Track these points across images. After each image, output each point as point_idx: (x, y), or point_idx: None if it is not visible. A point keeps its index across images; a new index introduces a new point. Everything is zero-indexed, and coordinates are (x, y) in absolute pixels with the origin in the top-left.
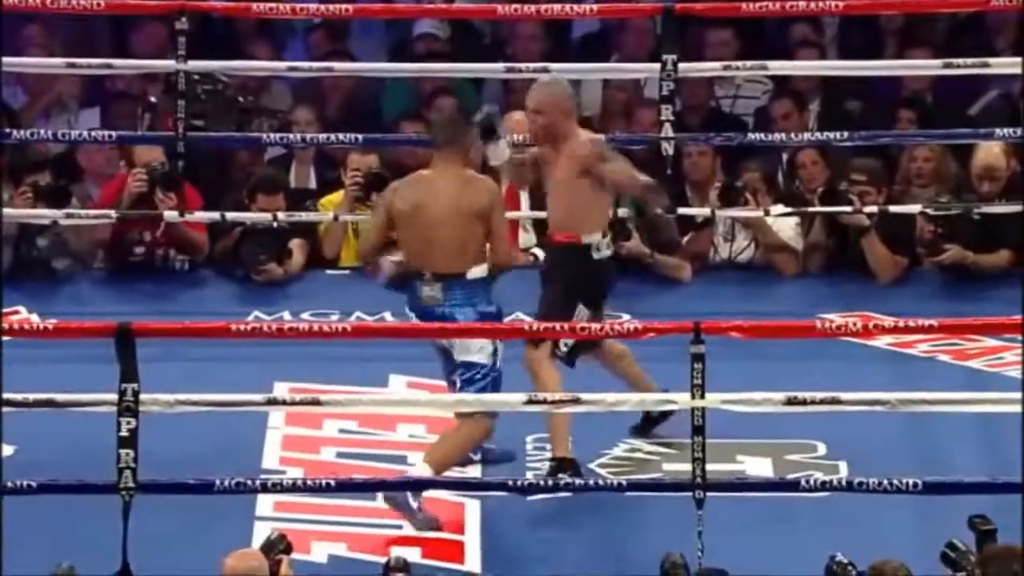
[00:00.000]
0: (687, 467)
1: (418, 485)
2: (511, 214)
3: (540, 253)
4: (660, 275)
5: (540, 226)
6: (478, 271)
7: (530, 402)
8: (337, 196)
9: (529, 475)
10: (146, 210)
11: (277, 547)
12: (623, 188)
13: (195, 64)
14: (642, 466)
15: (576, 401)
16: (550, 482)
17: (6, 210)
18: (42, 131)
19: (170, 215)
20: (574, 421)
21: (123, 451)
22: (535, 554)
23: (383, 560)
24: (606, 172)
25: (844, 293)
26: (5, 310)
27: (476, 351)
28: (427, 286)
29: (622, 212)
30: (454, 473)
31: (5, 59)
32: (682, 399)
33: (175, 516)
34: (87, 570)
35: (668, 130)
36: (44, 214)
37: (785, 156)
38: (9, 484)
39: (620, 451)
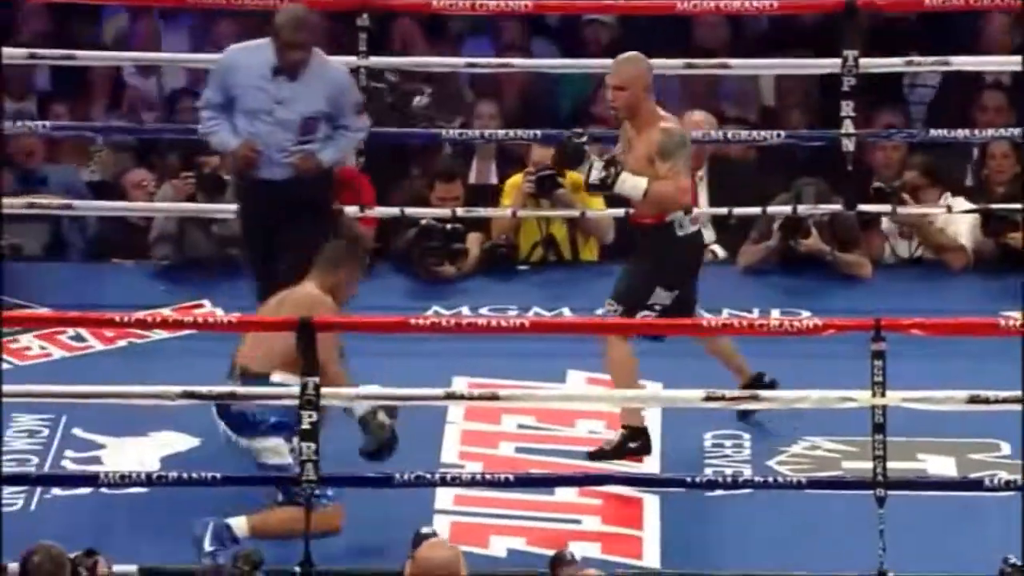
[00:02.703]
0: (867, 465)
1: (597, 480)
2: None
3: (720, 251)
4: (840, 272)
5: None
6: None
7: (709, 398)
8: (514, 190)
9: (708, 471)
10: None
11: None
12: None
13: (376, 60)
14: (822, 463)
15: (755, 398)
16: (730, 479)
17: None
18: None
19: (350, 210)
20: (754, 418)
21: (305, 444)
22: (714, 550)
23: None
24: (658, 170)
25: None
26: (189, 303)
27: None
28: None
29: (802, 209)
30: (632, 468)
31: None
32: (862, 397)
33: (356, 509)
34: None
35: (849, 126)
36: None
37: (976, 149)
38: (194, 475)
39: (799, 448)
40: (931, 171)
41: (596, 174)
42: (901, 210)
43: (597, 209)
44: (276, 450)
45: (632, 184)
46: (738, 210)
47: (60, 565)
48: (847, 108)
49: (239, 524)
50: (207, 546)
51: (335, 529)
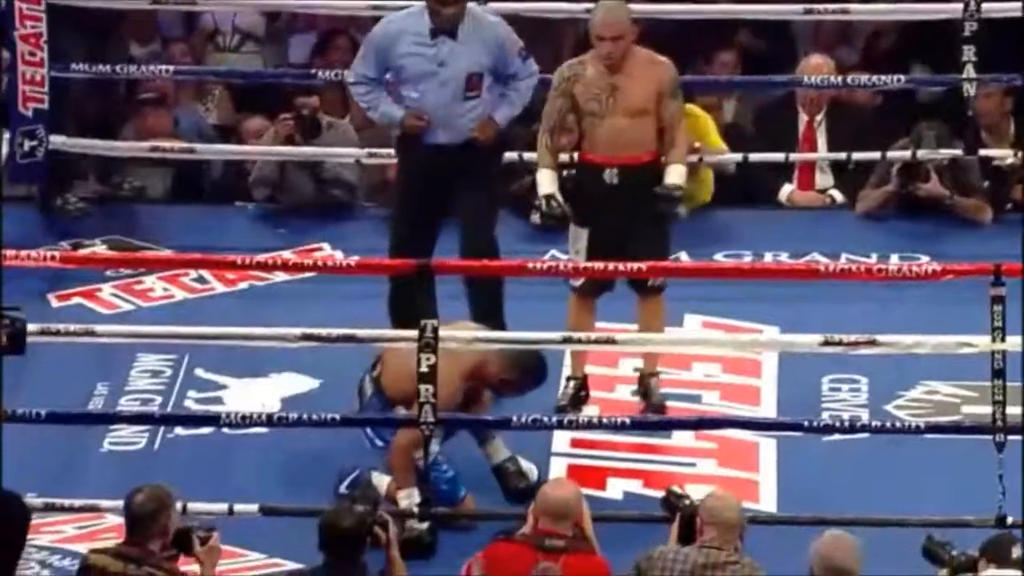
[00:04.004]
0: (987, 410)
1: (713, 424)
2: (807, 155)
3: (838, 196)
4: (960, 216)
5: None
6: None
7: (826, 343)
8: None
9: (825, 415)
10: None
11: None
12: (671, 142)
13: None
14: (941, 408)
15: (872, 343)
16: (847, 423)
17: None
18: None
19: None
20: (872, 363)
21: (423, 386)
22: (830, 494)
23: None
24: (666, 111)
25: None
26: (309, 246)
27: None
28: None
29: (921, 154)
30: (749, 413)
31: None
32: (982, 342)
33: (473, 451)
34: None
35: (970, 71)
36: (350, 153)
37: None
38: (314, 416)
39: (918, 392)
40: None
41: (545, 214)
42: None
43: (716, 150)
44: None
45: (680, 173)
46: (857, 155)
47: (163, 505)
48: (968, 53)
49: (379, 480)
50: (343, 488)
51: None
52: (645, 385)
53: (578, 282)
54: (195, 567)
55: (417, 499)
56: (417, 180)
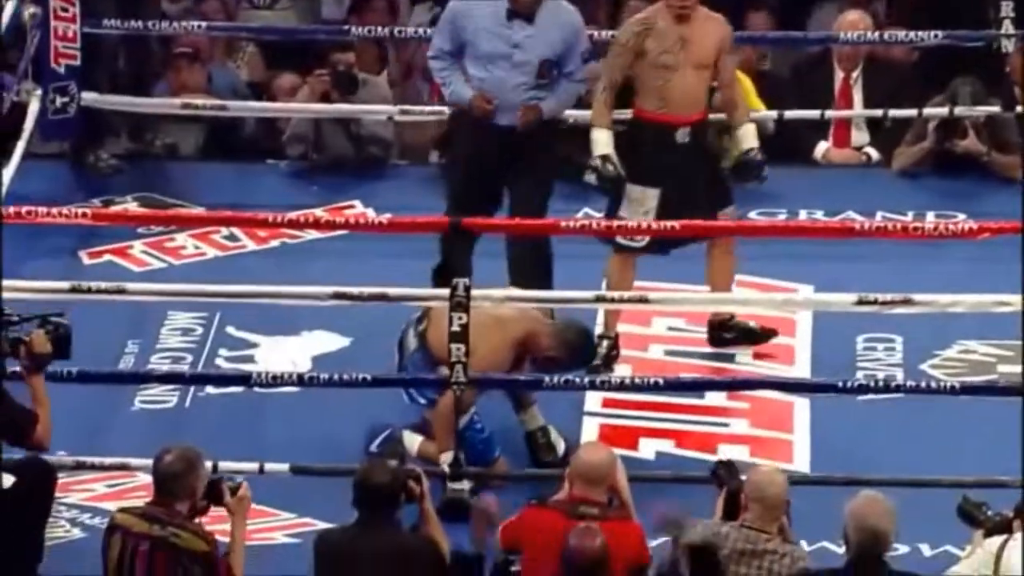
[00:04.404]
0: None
1: (747, 384)
2: (843, 112)
3: (874, 153)
4: (997, 174)
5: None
6: None
7: (860, 302)
8: None
9: (859, 375)
10: None
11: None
12: (732, 102)
13: None
14: (976, 368)
15: (907, 302)
16: (881, 383)
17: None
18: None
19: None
20: (907, 322)
21: (454, 346)
22: (864, 455)
23: (711, 458)
24: (724, 68)
25: None
26: (341, 204)
27: None
28: None
29: (958, 110)
30: (782, 372)
31: None
32: (1019, 301)
33: (506, 412)
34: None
35: (1008, 27)
36: (384, 110)
37: None
38: (346, 376)
39: (954, 352)
40: None
41: (601, 175)
42: None
43: (755, 109)
44: None
45: (753, 133)
46: (893, 112)
47: (191, 466)
48: (1006, 8)
49: (410, 440)
50: (373, 447)
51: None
52: (727, 326)
53: (639, 241)
54: (217, 528)
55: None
56: (478, 158)
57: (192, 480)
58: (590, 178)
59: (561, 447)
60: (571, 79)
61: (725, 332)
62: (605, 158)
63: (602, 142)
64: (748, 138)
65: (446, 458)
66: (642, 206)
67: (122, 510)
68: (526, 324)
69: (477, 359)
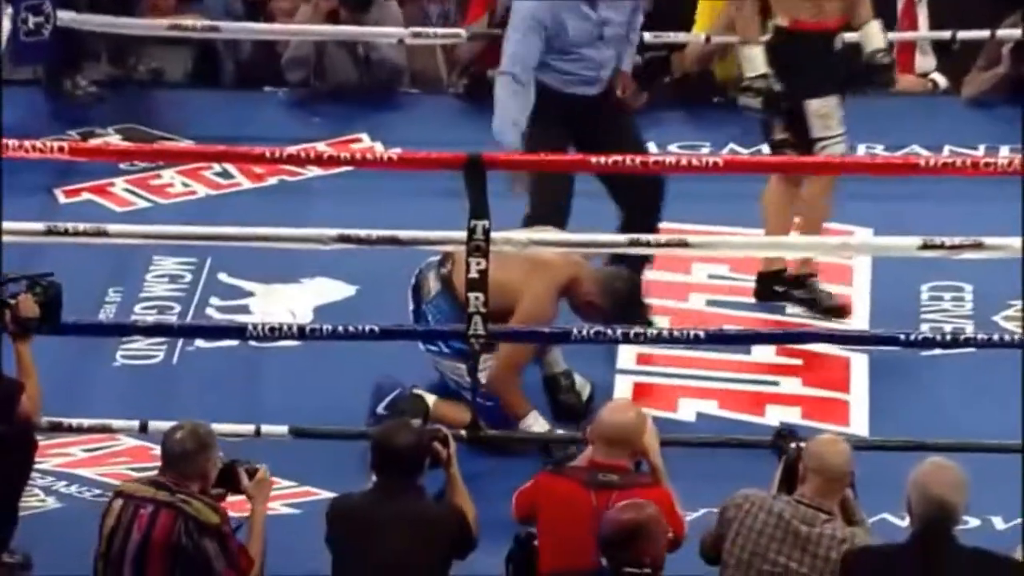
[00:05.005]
0: None
1: (798, 338)
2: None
3: (941, 80)
4: None
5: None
6: None
7: (926, 246)
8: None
9: (924, 327)
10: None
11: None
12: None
13: None
14: None
15: (978, 246)
16: (949, 336)
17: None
18: None
19: None
20: (977, 269)
21: (472, 294)
22: (930, 417)
23: (757, 420)
24: None
25: None
26: (347, 137)
27: None
28: None
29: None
30: (840, 325)
31: None
32: None
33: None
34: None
35: None
36: (395, 32)
37: None
38: (351, 328)
39: None
40: None
41: (763, 94)
42: None
43: None
44: (460, 373)
45: (880, 32)
46: (963, 34)
47: (203, 446)
48: None
49: (426, 399)
50: (381, 409)
51: None
52: (810, 289)
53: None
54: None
55: (546, 425)
56: (558, 124)
57: (203, 461)
58: (748, 100)
59: (586, 392)
60: (636, 32)
61: (777, 285)
62: (765, 76)
63: (759, 59)
64: (875, 38)
65: (529, 421)
66: (832, 117)
67: (127, 482)
68: (570, 269)
69: (521, 312)
